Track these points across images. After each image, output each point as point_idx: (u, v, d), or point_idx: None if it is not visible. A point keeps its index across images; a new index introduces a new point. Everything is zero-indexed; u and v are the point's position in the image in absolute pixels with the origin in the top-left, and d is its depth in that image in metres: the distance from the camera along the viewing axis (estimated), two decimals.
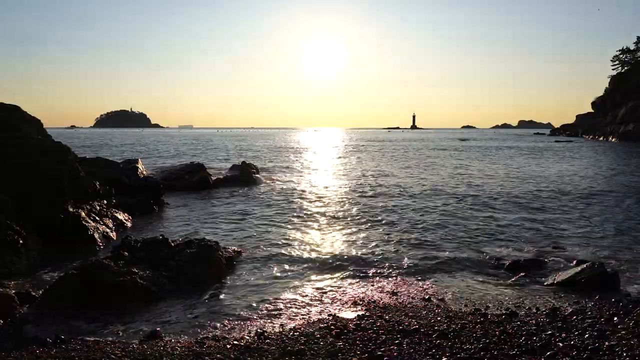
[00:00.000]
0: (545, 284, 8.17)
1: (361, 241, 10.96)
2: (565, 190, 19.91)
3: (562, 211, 14.91)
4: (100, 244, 10.50)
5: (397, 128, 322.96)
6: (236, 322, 6.49)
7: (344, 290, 7.79)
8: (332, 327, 5.99)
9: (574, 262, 9.22)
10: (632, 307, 6.81)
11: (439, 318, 6.45)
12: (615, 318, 6.25)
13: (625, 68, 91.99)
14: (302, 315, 6.72)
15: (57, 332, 5.95)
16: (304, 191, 19.69)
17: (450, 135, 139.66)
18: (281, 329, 6.07)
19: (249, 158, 34.46)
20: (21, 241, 8.86)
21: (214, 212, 14.82)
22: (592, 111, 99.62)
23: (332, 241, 11.04)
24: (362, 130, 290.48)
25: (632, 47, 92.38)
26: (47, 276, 8.22)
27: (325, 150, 54.34)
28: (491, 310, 6.84)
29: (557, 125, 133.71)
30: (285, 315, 6.71)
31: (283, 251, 10.12)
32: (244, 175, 21.78)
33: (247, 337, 5.76)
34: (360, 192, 19.43)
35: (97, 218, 11.45)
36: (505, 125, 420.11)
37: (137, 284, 7.21)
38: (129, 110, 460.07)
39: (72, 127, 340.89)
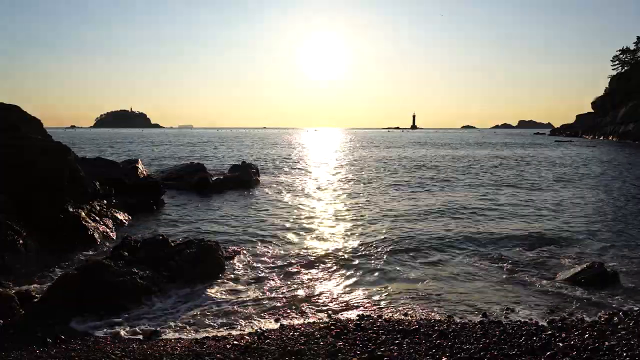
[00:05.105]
0: (545, 284, 8.16)
1: (361, 242, 10.95)
2: (565, 191, 19.91)
3: (561, 211, 14.90)
4: (100, 243, 10.49)
5: (397, 128, 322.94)
6: (236, 322, 6.49)
7: (343, 291, 7.79)
8: (332, 327, 5.99)
9: (574, 261, 9.22)
10: (632, 307, 6.82)
11: (438, 318, 6.45)
12: (615, 318, 6.25)
13: (625, 68, 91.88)
14: (302, 315, 6.72)
15: (57, 332, 5.95)
16: (303, 193, 19.70)
17: (452, 136, 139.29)
18: (281, 329, 6.07)
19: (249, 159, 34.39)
20: (21, 241, 8.87)
21: (214, 212, 14.81)
22: (592, 111, 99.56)
23: (332, 242, 11.03)
24: (362, 131, 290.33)
25: (632, 47, 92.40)
26: (47, 276, 8.21)
27: (326, 152, 54.32)
28: (491, 310, 6.85)
29: (557, 125, 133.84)
30: (285, 315, 6.71)
31: (283, 252, 10.12)
32: (244, 176, 21.76)
33: (247, 337, 5.76)
34: (360, 194, 19.44)
35: (97, 218, 11.45)
36: (505, 125, 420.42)
37: (137, 284, 7.21)
38: (129, 110, 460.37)
39: (72, 127, 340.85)
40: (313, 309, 6.96)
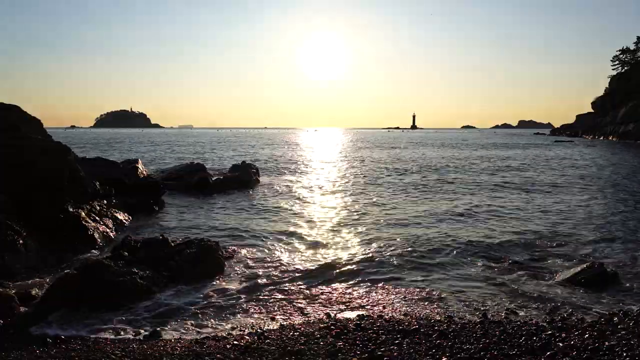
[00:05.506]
0: (545, 284, 8.16)
1: (360, 243, 10.95)
2: (566, 190, 19.91)
3: (562, 211, 14.90)
4: (100, 243, 10.49)
5: (397, 128, 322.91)
6: (236, 322, 6.50)
7: (343, 291, 7.79)
8: (332, 327, 5.99)
9: (574, 261, 9.22)
10: (632, 307, 6.82)
11: (438, 318, 6.45)
12: (615, 318, 6.24)
13: (625, 68, 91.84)
14: (302, 315, 6.72)
15: (57, 332, 5.96)
16: (303, 193, 19.70)
17: (452, 136, 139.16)
18: (281, 329, 6.07)
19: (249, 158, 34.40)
20: (21, 241, 8.86)
21: (214, 212, 14.81)
22: (592, 111, 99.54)
23: (331, 243, 11.03)
24: (362, 131, 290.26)
25: (632, 47, 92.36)
26: (47, 276, 8.21)
27: (326, 152, 54.32)
28: (491, 310, 6.84)
29: (557, 125, 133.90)
30: (285, 315, 6.71)
31: (283, 252, 10.12)
32: (244, 176, 21.76)
33: (247, 337, 5.76)
34: (360, 194, 19.44)
35: (97, 218, 11.45)
36: (505, 125, 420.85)
37: (137, 284, 7.22)
38: (129, 110, 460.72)
39: (72, 127, 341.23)
40: (313, 309, 6.96)
